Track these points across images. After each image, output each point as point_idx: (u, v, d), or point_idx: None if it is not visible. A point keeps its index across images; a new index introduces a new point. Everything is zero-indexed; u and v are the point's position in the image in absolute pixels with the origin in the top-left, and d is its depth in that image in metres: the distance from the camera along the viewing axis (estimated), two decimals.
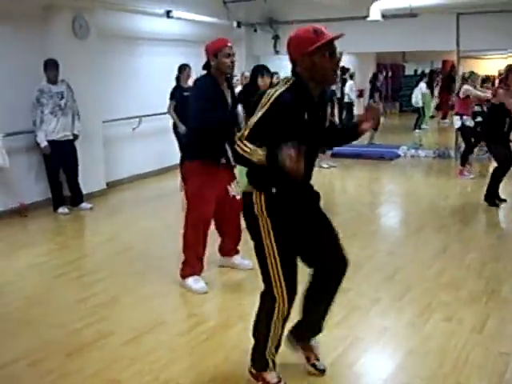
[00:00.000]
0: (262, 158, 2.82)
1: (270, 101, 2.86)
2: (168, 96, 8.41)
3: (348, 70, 14.94)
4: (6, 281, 5.22)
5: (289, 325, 3.28)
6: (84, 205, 7.85)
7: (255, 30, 12.37)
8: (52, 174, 7.64)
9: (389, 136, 14.61)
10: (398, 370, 3.50)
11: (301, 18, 11.52)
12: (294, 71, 3.01)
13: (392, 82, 20.59)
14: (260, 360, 3.25)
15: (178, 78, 8.45)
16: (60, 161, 7.60)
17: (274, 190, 3.02)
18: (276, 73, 9.95)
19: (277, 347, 3.25)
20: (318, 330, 3.44)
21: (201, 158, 4.68)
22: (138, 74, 9.55)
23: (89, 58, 8.13)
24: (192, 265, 4.84)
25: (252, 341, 3.27)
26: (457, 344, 3.76)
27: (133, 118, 9.41)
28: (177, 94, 8.31)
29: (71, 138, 7.62)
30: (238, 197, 4.73)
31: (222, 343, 3.91)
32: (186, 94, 8.34)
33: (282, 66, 14.17)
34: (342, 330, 4.01)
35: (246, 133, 2.88)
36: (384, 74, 18.75)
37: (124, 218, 7.51)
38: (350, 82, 14.06)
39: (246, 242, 5.12)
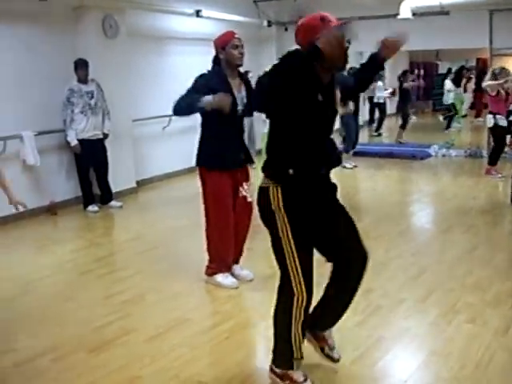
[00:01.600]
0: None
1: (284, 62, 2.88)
2: None
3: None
4: (35, 277, 5.31)
5: None
6: (113, 203, 7.95)
7: (286, 29, 12.34)
8: (82, 172, 7.74)
9: (421, 135, 14.49)
10: (419, 371, 3.47)
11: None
12: None
13: (425, 80, 20.36)
14: (285, 357, 3.20)
15: None
16: (90, 159, 7.70)
17: (291, 172, 3.01)
18: None
19: (300, 343, 3.19)
20: (335, 321, 3.39)
21: (207, 165, 4.72)
22: (167, 73, 9.61)
23: (119, 58, 8.22)
24: (219, 262, 4.87)
25: (273, 339, 3.25)
26: (480, 346, 3.71)
27: (162, 117, 9.46)
28: None
29: (101, 136, 7.71)
30: (249, 199, 4.72)
31: (244, 342, 3.93)
32: None
33: None
34: (365, 329, 3.99)
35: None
36: (416, 72, 18.53)
37: (153, 216, 7.58)
38: (378, 83, 13.97)
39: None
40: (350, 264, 3.19)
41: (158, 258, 5.76)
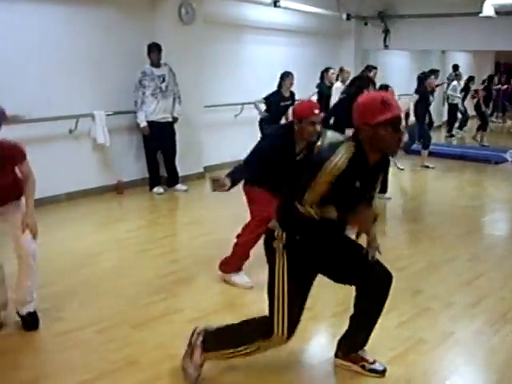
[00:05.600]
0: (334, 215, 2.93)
1: (334, 172, 2.84)
2: (263, 94, 8.45)
3: (457, 68, 14.49)
4: (94, 252, 5.50)
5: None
6: (179, 186, 8.09)
7: (365, 24, 12.20)
8: (150, 154, 7.92)
9: (500, 139, 14.05)
10: (454, 378, 3.39)
11: (412, 12, 11.32)
12: (355, 135, 2.99)
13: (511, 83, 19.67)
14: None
15: (279, 85, 8.33)
16: (158, 142, 7.85)
17: (297, 237, 3.05)
18: (375, 67, 9.79)
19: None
20: (364, 343, 3.41)
21: (260, 185, 4.69)
22: (241, 61, 9.69)
23: (193, 44, 8.32)
24: (236, 262, 4.84)
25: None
26: None
27: (234, 105, 9.55)
28: (273, 99, 8.32)
29: (170, 120, 7.85)
30: None
31: None
32: (282, 104, 8.37)
33: (391, 62, 13.97)
34: (407, 330, 3.93)
35: (309, 197, 2.90)
36: (503, 75, 17.95)
37: (216, 201, 7.61)
38: (454, 83, 13.61)
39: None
40: (376, 285, 3.23)
41: (214, 242, 5.81)
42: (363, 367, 3.39)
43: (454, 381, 3.37)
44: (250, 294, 4.64)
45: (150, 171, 7.98)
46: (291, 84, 8.36)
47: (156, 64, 7.58)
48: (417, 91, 9.69)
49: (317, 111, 4.36)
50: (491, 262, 5.43)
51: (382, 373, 3.37)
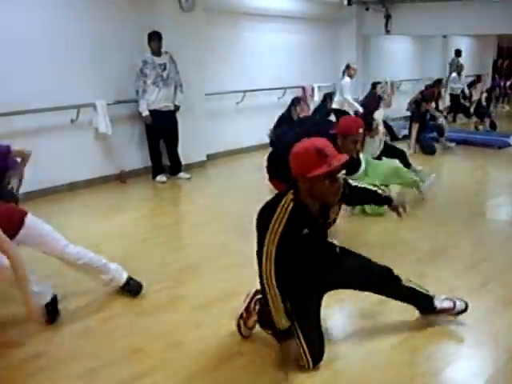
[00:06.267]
0: (283, 326, 3.10)
1: (279, 231, 3.00)
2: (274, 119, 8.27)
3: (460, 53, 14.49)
4: (96, 241, 5.44)
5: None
6: (182, 174, 8.09)
7: (367, 9, 12.09)
8: (152, 142, 7.91)
9: (504, 124, 13.98)
10: (458, 362, 3.39)
11: None
12: (294, 185, 3.03)
13: None
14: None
15: (289, 109, 8.11)
16: (161, 130, 7.85)
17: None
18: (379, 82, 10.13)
19: None
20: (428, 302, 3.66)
21: None
22: (242, 48, 9.64)
23: (194, 31, 8.27)
24: None
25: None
26: None
27: (236, 93, 9.53)
28: (283, 125, 7.91)
29: (172, 108, 7.83)
30: None
31: None
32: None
33: (392, 48, 13.89)
34: (410, 315, 3.91)
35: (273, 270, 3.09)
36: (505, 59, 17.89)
37: (219, 189, 7.68)
38: (453, 75, 13.62)
39: None
40: (382, 276, 3.40)
41: (218, 229, 5.83)
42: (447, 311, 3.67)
43: (458, 364, 3.37)
44: (256, 282, 4.63)
45: (153, 160, 7.97)
46: (302, 110, 8.16)
47: (157, 52, 7.54)
48: (413, 115, 10.17)
49: (361, 130, 4.60)
50: (496, 246, 5.42)
51: (466, 309, 3.68)
